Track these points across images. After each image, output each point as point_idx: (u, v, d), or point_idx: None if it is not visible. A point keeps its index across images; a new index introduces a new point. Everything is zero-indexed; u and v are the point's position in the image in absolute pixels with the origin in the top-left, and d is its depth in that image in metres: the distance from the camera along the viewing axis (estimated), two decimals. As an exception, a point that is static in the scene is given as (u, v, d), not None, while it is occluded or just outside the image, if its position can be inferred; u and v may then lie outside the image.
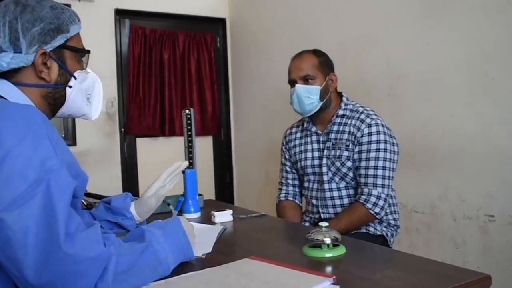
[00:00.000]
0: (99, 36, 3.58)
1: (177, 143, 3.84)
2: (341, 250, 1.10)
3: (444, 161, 2.23)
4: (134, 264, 0.86)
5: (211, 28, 4.09)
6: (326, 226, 1.12)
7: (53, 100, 1.05)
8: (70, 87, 1.07)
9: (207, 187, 4.05)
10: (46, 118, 0.88)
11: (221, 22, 4.12)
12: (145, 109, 3.75)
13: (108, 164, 3.65)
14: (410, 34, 2.39)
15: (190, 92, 3.92)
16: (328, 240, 1.09)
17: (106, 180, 3.58)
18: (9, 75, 1.00)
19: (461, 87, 2.16)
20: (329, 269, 1.02)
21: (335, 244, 1.11)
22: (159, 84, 3.80)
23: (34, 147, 0.81)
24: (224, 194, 4.11)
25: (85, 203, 1.52)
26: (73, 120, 3.51)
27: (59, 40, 1.03)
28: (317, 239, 1.10)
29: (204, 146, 4.08)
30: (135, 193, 3.97)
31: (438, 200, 2.26)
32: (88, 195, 1.62)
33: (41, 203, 0.78)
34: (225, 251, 1.15)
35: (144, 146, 3.87)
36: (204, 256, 1.09)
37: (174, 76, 3.85)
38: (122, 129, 3.72)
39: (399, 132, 2.01)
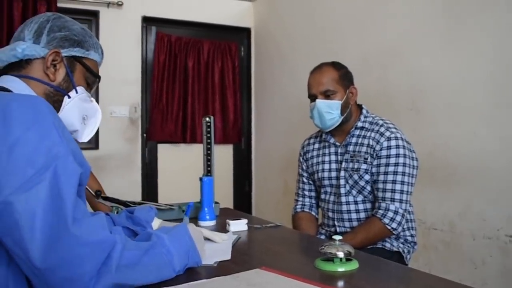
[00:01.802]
0: (126, 42, 3.66)
1: (198, 150, 3.83)
2: (353, 265, 1.09)
3: (465, 178, 2.19)
4: (139, 261, 0.88)
5: (236, 37, 4.13)
6: (339, 240, 1.12)
7: (52, 102, 1.08)
8: (69, 97, 1.11)
9: (225, 195, 4.06)
10: (52, 108, 0.91)
11: (246, 31, 4.16)
12: (167, 115, 3.80)
13: (128, 169, 3.70)
14: (433, 49, 2.36)
15: (212, 100, 3.96)
16: (341, 254, 1.08)
17: (125, 184, 3.64)
18: (21, 66, 1.06)
19: (484, 104, 2.12)
20: (341, 283, 1.01)
21: (348, 258, 1.10)
22: (182, 91, 3.86)
23: (41, 135, 0.83)
24: (242, 202, 4.12)
25: (93, 193, 1.54)
26: (97, 124, 3.57)
27: (76, 52, 1.11)
28: (330, 253, 1.09)
29: (225, 154, 4.10)
30: (154, 199, 4.02)
31: (458, 218, 2.22)
32: (106, 198, 1.64)
33: (49, 187, 0.80)
34: (237, 260, 1.15)
35: (165, 152, 3.92)
36: (216, 265, 1.10)
37: (198, 84, 3.90)
38: (144, 135, 3.77)
39: (420, 147, 1.98)
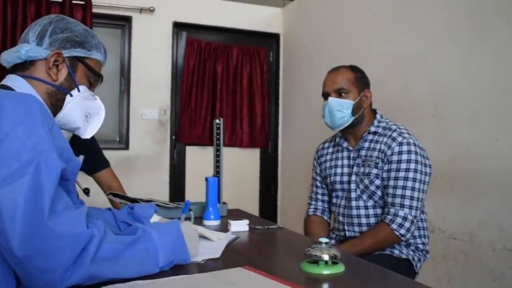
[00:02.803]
0: (157, 47, 3.76)
1: (225, 153, 3.91)
2: (339, 268, 1.08)
3: (487, 187, 2.11)
4: (120, 254, 0.90)
5: (265, 43, 4.16)
6: (326, 243, 1.11)
7: (54, 100, 1.14)
8: (71, 95, 1.15)
9: (251, 199, 4.09)
10: (44, 105, 0.95)
11: (275, 37, 4.18)
12: (196, 118, 3.87)
13: (157, 169, 3.79)
14: (457, 54, 2.30)
15: (240, 104, 4.00)
16: (326, 257, 1.07)
17: (154, 185, 3.73)
18: (25, 67, 1.11)
19: (507, 111, 2.04)
20: (324, 286, 1.01)
21: (334, 261, 1.10)
22: (211, 95, 3.92)
23: (29, 132, 0.87)
24: (268, 206, 4.13)
25: (82, 188, 1.60)
26: (127, 126, 3.69)
27: (78, 52, 1.15)
28: (315, 255, 1.09)
29: (251, 158, 4.13)
30: (181, 199, 4.09)
31: (478, 228, 2.14)
32: (116, 195, 1.70)
33: (31, 180, 0.83)
34: (226, 259, 1.16)
35: (193, 154, 3.98)
36: (203, 262, 1.11)
37: (226, 88, 3.95)
38: (173, 137, 3.86)
39: (441, 154, 1.93)
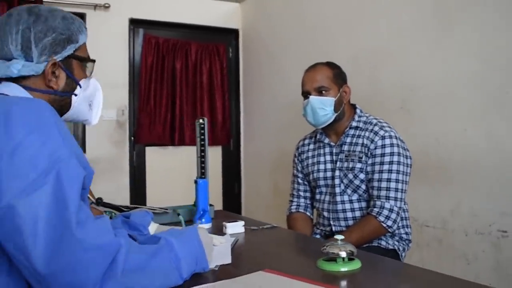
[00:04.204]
0: (113, 45, 3.62)
1: (186, 152, 3.85)
2: (356, 264, 1.09)
3: (457, 175, 2.21)
4: (145, 266, 0.85)
5: (224, 38, 4.12)
6: (341, 240, 1.11)
7: (59, 106, 1.07)
8: (76, 95, 1.10)
9: (214, 197, 4.04)
10: (54, 110, 0.89)
11: (233, 33, 4.15)
12: (155, 118, 3.77)
13: (116, 172, 3.66)
14: (423, 47, 2.38)
15: (201, 101, 3.94)
16: (343, 254, 1.08)
17: (114, 188, 3.59)
18: (17, 80, 1.02)
19: (475, 101, 2.14)
20: (344, 283, 1.01)
21: (350, 258, 1.10)
22: (170, 93, 3.83)
23: (43, 138, 0.82)
24: (232, 205, 4.10)
25: (93, 199, 1.52)
26: (83, 128, 3.53)
27: (69, 50, 1.07)
28: (332, 253, 1.08)
29: (213, 156, 4.08)
30: (143, 202, 3.97)
31: (450, 215, 2.24)
32: (103, 204, 1.61)
33: (51, 191, 0.78)
34: (238, 263, 1.14)
35: (153, 155, 3.88)
36: (217, 268, 1.08)
37: (186, 86, 3.88)
38: (132, 138, 3.74)
39: (411, 145, 1.99)
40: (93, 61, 1.16)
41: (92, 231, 0.79)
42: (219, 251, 1.22)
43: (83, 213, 0.80)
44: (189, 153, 3.71)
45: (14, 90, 1.00)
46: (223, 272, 1.05)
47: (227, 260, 1.14)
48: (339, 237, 1.12)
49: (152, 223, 1.33)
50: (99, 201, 1.51)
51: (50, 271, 0.75)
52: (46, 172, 0.79)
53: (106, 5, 3.52)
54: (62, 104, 1.08)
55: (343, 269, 1.07)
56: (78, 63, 1.11)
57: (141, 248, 0.88)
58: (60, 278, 0.76)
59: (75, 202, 0.79)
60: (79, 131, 3.55)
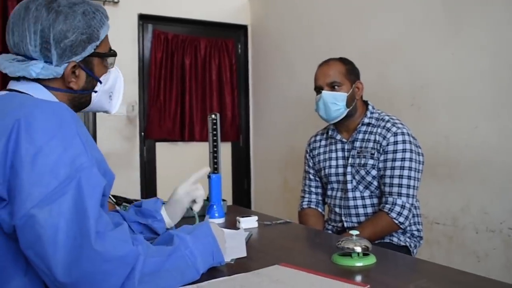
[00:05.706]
0: (122, 40, 3.63)
1: (196, 148, 3.87)
2: (371, 259, 1.10)
3: (467, 173, 2.21)
4: (162, 267, 0.87)
5: (233, 34, 4.12)
6: (356, 235, 1.12)
7: (79, 103, 1.06)
8: (96, 92, 1.08)
9: (224, 193, 4.05)
10: (76, 115, 0.89)
11: (243, 28, 4.15)
12: (165, 113, 3.78)
13: (127, 167, 3.68)
14: (433, 44, 2.38)
15: (210, 97, 3.95)
16: (358, 249, 1.09)
17: (124, 183, 3.61)
18: (36, 79, 0.98)
19: (485, 98, 2.14)
20: (360, 278, 1.02)
21: (365, 253, 1.11)
22: (179, 89, 3.84)
23: (64, 145, 0.82)
24: (242, 200, 4.12)
25: (114, 200, 1.53)
26: (94, 123, 3.55)
27: (89, 50, 1.02)
28: (347, 248, 1.10)
29: (223, 152, 4.06)
30: (153, 197, 3.99)
31: (460, 212, 2.24)
32: (115, 197, 1.64)
33: (72, 200, 0.79)
34: (253, 257, 1.15)
35: (163, 151, 3.90)
36: (233, 262, 1.10)
37: (195, 82, 3.89)
38: (142, 133, 3.76)
39: (421, 143, 1.99)
40: (115, 55, 1.11)
41: (111, 242, 0.80)
42: (233, 245, 1.23)
43: (102, 223, 0.81)
44: (199, 148, 3.73)
45: (35, 90, 0.98)
46: (239, 266, 1.06)
47: (243, 253, 1.16)
48: (354, 232, 1.13)
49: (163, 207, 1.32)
50: (120, 202, 1.52)
51: (70, 280, 0.76)
52: (67, 181, 0.79)
53: (115, 0, 3.53)
54: (82, 101, 1.06)
55: (358, 264, 1.08)
56: (99, 60, 1.06)
57: (157, 250, 0.89)
58: (79, 287, 0.77)
59: (95, 212, 0.80)
60: (90, 127, 3.57)
